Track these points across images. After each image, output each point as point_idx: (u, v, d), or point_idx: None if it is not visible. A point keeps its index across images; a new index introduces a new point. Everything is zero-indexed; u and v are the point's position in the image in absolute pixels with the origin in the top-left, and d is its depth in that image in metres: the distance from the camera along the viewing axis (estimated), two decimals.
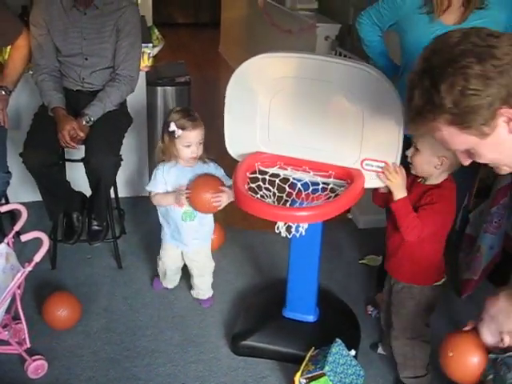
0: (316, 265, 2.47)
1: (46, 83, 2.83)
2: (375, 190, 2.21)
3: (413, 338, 2.26)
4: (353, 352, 2.29)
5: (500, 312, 1.75)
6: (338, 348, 2.23)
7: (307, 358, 2.28)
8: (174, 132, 2.42)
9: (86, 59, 2.86)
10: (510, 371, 1.67)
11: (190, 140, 2.46)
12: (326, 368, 2.14)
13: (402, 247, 2.17)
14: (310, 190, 2.15)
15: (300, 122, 2.14)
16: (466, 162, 1.51)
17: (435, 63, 1.33)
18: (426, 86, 1.34)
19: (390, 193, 2.10)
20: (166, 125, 2.44)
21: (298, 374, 2.22)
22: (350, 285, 3.01)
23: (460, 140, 1.39)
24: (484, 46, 1.29)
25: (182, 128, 2.42)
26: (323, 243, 2.46)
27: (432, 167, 2.03)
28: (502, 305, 1.75)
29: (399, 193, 2.07)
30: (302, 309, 2.53)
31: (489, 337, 1.78)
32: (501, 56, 1.28)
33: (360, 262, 3.20)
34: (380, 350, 2.55)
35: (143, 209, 3.60)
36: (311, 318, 2.54)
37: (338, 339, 2.27)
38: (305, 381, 2.20)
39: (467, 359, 1.83)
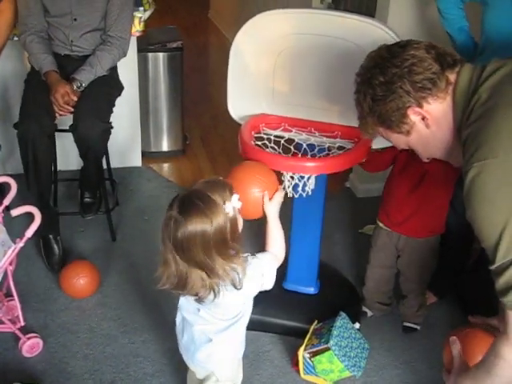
0: (318, 234, 2.41)
1: (35, 45, 2.70)
2: (372, 155, 2.16)
3: (425, 287, 2.46)
4: (357, 325, 2.25)
5: None
6: (342, 321, 2.18)
7: (310, 332, 2.23)
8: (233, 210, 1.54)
9: (75, 19, 2.73)
10: None
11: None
12: (331, 342, 2.08)
13: (424, 205, 2.21)
14: (316, 150, 2.11)
15: (305, 81, 2.10)
16: (424, 159, 1.76)
17: (360, 75, 1.59)
18: (355, 96, 1.61)
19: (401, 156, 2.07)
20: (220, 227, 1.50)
21: (302, 348, 2.17)
22: (349, 255, 2.96)
23: (394, 138, 1.60)
24: (387, 56, 1.51)
25: (231, 193, 1.56)
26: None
27: None
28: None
29: None
30: (303, 281, 2.47)
31: None
32: (400, 63, 1.47)
33: (359, 231, 3.14)
34: (369, 313, 2.55)
35: (136, 179, 3.54)
36: (312, 290, 2.48)
37: (342, 312, 2.22)
38: (309, 355, 2.15)
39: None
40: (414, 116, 1.50)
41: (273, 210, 1.74)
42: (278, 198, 1.76)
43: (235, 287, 1.54)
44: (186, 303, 1.69)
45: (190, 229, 1.46)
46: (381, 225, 2.36)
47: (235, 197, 1.53)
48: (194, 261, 1.49)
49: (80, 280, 2.54)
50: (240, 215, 1.59)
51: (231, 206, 1.51)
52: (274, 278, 1.69)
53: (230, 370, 1.81)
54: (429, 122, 1.50)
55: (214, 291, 1.52)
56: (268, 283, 1.67)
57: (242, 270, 1.55)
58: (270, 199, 1.74)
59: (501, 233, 1.28)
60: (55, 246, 2.77)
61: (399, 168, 2.22)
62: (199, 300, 1.57)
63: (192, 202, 1.48)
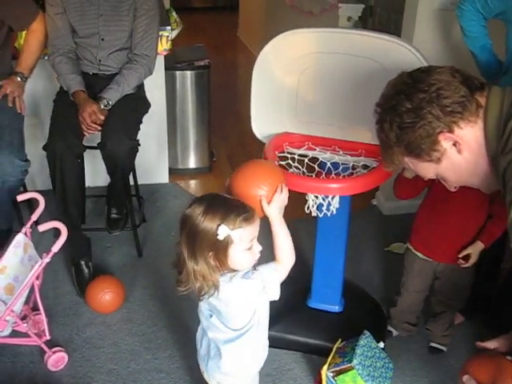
0: (343, 252, 2.39)
1: (63, 66, 2.76)
2: (399, 181, 2.12)
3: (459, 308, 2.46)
4: (381, 344, 2.21)
5: None
6: (366, 340, 2.16)
7: (334, 350, 2.20)
8: (226, 238, 1.51)
9: (103, 39, 2.78)
10: None
11: (253, 235, 1.57)
12: (355, 361, 2.06)
13: (465, 232, 2.16)
14: (340, 169, 2.11)
15: (328, 100, 2.10)
16: (451, 189, 1.65)
17: (380, 104, 1.54)
18: (377, 126, 1.56)
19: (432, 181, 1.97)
20: (206, 234, 1.50)
21: (325, 366, 2.14)
22: (375, 273, 2.93)
23: (422, 167, 1.55)
24: (411, 82, 1.47)
25: (241, 224, 1.52)
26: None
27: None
28: None
29: None
30: (328, 299, 2.46)
31: None
32: (427, 88, 1.43)
33: (386, 249, 3.11)
34: (395, 333, 2.52)
35: (163, 196, 3.56)
36: (337, 308, 2.47)
37: (366, 331, 2.19)
38: (332, 374, 2.13)
39: None
40: (445, 142, 1.45)
41: (273, 212, 1.64)
42: (277, 200, 1.64)
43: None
44: (202, 307, 1.69)
45: (188, 212, 1.52)
46: (416, 252, 2.30)
47: (240, 230, 1.50)
48: (184, 248, 1.53)
49: (106, 295, 2.56)
50: (246, 255, 1.56)
51: (225, 231, 1.48)
52: (278, 289, 1.67)
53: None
54: (461, 147, 1.45)
55: (200, 292, 1.55)
56: (272, 295, 1.66)
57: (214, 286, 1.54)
58: (270, 202, 1.63)
59: None
60: (86, 271, 2.77)
61: (435, 194, 2.14)
62: (198, 295, 1.58)
63: (207, 199, 1.55)
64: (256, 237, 1.58)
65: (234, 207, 1.52)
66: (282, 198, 1.66)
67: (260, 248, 1.60)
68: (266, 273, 1.63)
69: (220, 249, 1.51)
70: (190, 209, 1.53)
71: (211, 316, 1.66)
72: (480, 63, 2.36)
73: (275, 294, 1.67)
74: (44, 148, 2.62)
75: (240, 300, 1.60)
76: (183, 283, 1.57)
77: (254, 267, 1.62)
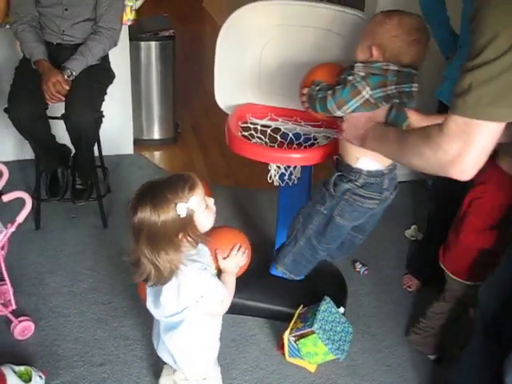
0: None
1: (26, 34, 2.72)
2: None
3: None
4: (342, 309, 2.30)
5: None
6: (326, 306, 2.23)
7: (296, 316, 2.28)
8: (188, 212, 1.53)
9: (66, 10, 2.75)
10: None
11: (202, 194, 1.59)
12: (315, 326, 2.14)
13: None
14: (302, 139, 2.15)
15: (291, 72, 2.12)
16: None
17: None
18: None
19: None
20: (169, 223, 1.51)
21: (287, 331, 2.22)
22: None
23: None
24: None
25: (191, 193, 1.53)
26: None
27: None
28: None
29: None
30: None
31: (359, 53, 1.81)
32: None
33: None
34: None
35: (127, 167, 3.57)
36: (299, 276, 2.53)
37: (326, 297, 2.27)
38: (294, 338, 2.20)
39: None
40: None
41: (227, 266, 1.76)
42: (233, 257, 1.77)
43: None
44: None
45: (138, 219, 1.50)
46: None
47: (194, 198, 1.52)
48: (142, 251, 1.53)
49: None
50: (208, 214, 1.59)
51: (184, 207, 1.50)
52: (217, 309, 1.71)
53: (195, 367, 1.83)
54: None
55: (153, 281, 1.57)
56: (207, 307, 1.66)
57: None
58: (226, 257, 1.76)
59: (504, 29, 1.17)
60: (61, 179, 2.94)
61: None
62: (145, 280, 1.60)
63: (145, 195, 1.51)
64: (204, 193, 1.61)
65: (174, 184, 1.53)
66: (238, 256, 1.77)
67: (212, 200, 1.62)
68: (213, 285, 1.64)
69: (187, 224, 1.54)
70: (137, 215, 1.50)
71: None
72: (436, 39, 2.40)
73: (208, 308, 1.67)
74: (5, 110, 2.63)
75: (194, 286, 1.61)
76: (142, 276, 1.58)
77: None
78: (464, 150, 1.28)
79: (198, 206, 1.54)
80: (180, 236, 1.54)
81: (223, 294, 1.67)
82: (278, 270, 2.24)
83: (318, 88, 1.86)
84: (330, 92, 1.79)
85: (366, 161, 1.85)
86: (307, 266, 2.20)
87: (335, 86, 1.81)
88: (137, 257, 1.56)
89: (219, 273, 1.75)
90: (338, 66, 1.90)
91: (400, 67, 1.74)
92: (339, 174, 1.92)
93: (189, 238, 1.56)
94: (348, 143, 1.86)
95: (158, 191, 1.51)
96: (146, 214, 1.49)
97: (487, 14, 1.19)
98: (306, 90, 1.90)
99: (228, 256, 1.76)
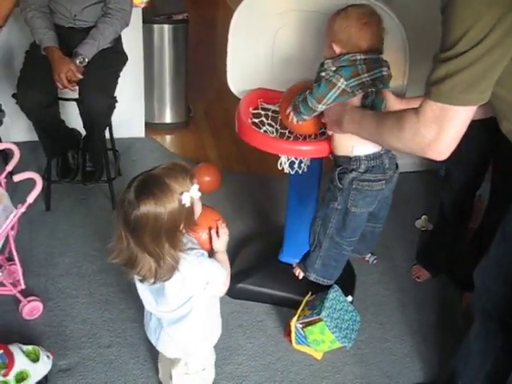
0: (314, 208, 2.43)
1: (36, 20, 2.70)
2: None
3: None
4: (350, 298, 2.29)
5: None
6: (335, 294, 2.23)
7: (304, 303, 2.28)
8: (191, 200, 1.51)
9: None
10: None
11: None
12: (323, 313, 2.13)
13: None
14: None
15: (303, 57, 2.12)
16: None
17: None
18: None
19: None
20: (174, 215, 1.48)
21: (295, 318, 2.22)
22: None
23: None
24: None
25: (192, 181, 1.52)
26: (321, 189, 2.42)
27: None
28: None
29: None
30: (299, 253, 2.49)
31: (325, 54, 1.92)
32: None
33: None
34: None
35: (138, 150, 3.56)
36: None
37: (335, 285, 2.26)
38: (301, 325, 2.20)
39: None
40: None
41: (221, 245, 1.73)
42: (224, 235, 1.74)
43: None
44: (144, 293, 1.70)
45: (142, 214, 1.44)
46: None
47: (195, 187, 1.50)
48: (143, 246, 1.48)
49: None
50: (199, 202, 1.58)
51: (189, 196, 1.48)
52: (221, 290, 1.70)
53: (198, 358, 1.83)
54: None
55: (155, 277, 1.53)
56: (213, 290, 1.66)
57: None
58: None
59: (477, 21, 1.25)
60: (71, 161, 3.00)
61: None
62: (142, 280, 1.58)
63: (148, 187, 1.46)
64: None
65: (175, 174, 1.49)
66: (226, 232, 1.74)
67: (197, 186, 1.55)
68: (214, 268, 1.63)
69: (189, 214, 1.53)
70: (139, 209, 1.44)
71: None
72: None
73: (216, 292, 1.69)
74: (14, 96, 2.62)
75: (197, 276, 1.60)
76: (141, 273, 1.54)
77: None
78: (440, 134, 1.39)
79: (197, 195, 1.52)
80: (181, 227, 1.52)
81: (224, 275, 1.67)
82: (311, 279, 2.28)
83: (297, 95, 1.95)
84: (307, 92, 1.89)
85: (361, 147, 1.91)
86: (337, 266, 2.24)
87: None
88: (131, 255, 1.51)
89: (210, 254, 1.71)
90: (310, 83, 1.95)
91: (366, 55, 1.84)
92: (340, 167, 1.98)
93: (186, 228, 1.54)
94: (339, 136, 1.92)
95: (160, 182, 1.46)
96: (150, 207, 1.44)
97: (458, 7, 1.27)
98: (288, 109, 1.99)
99: (218, 235, 1.73)
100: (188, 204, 1.49)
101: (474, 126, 1.63)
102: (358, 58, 1.84)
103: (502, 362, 1.88)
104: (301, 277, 2.33)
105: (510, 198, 1.67)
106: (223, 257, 1.74)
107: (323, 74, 1.86)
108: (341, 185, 1.98)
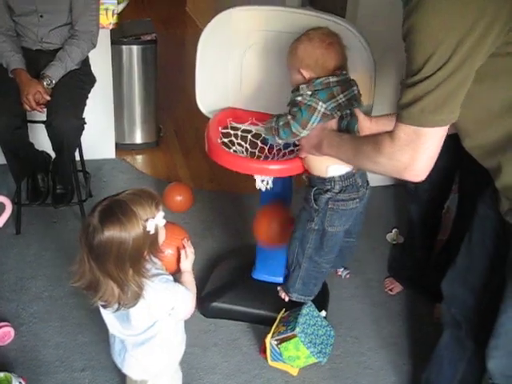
0: None
1: (2, 44, 2.69)
2: None
3: None
4: (323, 313, 2.30)
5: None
6: (308, 309, 2.24)
7: (278, 320, 2.28)
8: (155, 228, 1.52)
9: (42, 16, 2.73)
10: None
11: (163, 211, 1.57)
12: (297, 329, 2.14)
13: None
14: (282, 145, 2.15)
15: (272, 76, 2.14)
16: None
17: None
18: None
19: None
20: (139, 240, 1.48)
21: (269, 335, 2.22)
22: None
23: None
24: None
25: (158, 209, 1.53)
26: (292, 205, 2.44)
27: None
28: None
29: None
30: (272, 270, 2.52)
31: (294, 82, 1.94)
32: None
33: None
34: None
35: (109, 171, 3.55)
36: (281, 280, 2.53)
37: (308, 301, 2.27)
38: (276, 342, 2.21)
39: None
40: None
41: (188, 265, 1.75)
42: (191, 254, 1.75)
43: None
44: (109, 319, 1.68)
45: (106, 239, 1.43)
46: None
47: (160, 214, 1.51)
48: (106, 271, 1.47)
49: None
50: (163, 231, 1.57)
51: (154, 223, 1.48)
52: (187, 313, 1.70)
53: (165, 378, 1.82)
54: None
55: (119, 302, 1.52)
56: (179, 315, 1.67)
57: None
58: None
59: (438, 46, 1.28)
60: (41, 184, 2.96)
61: None
62: (105, 306, 1.56)
63: (113, 212, 1.45)
64: None
65: (141, 200, 1.49)
66: (193, 252, 1.76)
67: (163, 213, 1.56)
68: (180, 294, 1.63)
69: (153, 240, 1.52)
70: (103, 233, 1.44)
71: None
72: None
73: (182, 315, 1.69)
74: None
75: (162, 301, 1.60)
76: (103, 298, 1.53)
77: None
78: (415, 156, 1.41)
79: (162, 222, 1.53)
80: (145, 253, 1.51)
81: (190, 298, 1.67)
82: (293, 299, 2.28)
83: (275, 119, 1.95)
84: (289, 117, 1.89)
85: (335, 167, 1.93)
86: (317, 283, 2.26)
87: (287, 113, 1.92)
88: (94, 279, 1.50)
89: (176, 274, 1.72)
90: None
91: (338, 77, 1.87)
92: (315, 188, 2.01)
93: (150, 255, 1.53)
94: (314, 158, 1.94)
95: (126, 208, 1.46)
96: (114, 233, 1.43)
97: (419, 34, 1.30)
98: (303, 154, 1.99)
99: (186, 256, 1.74)
100: (153, 231, 1.49)
101: None
102: (331, 80, 1.86)
103: (473, 370, 1.91)
104: (286, 299, 2.32)
105: (476, 209, 1.72)
106: (190, 277, 1.74)
107: (299, 98, 1.88)
108: (316, 206, 2.00)
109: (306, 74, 1.89)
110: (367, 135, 1.78)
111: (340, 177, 1.95)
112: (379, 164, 1.52)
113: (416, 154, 1.41)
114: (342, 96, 1.87)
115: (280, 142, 1.99)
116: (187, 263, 1.74)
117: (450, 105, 1.35)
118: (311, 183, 2.04)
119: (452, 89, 1.32)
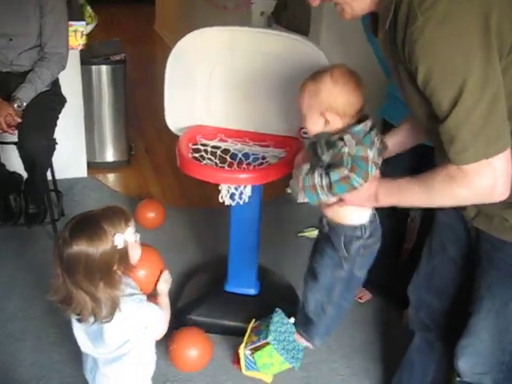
0: (256, 238, 2.53)
1: None
2: None
3: None
4: (292, 320, 2.35)
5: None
6: (278, 317, 2.29)
7: (249, 330, 2.33)
8: (124, 243, 1.55)
9: (11, 40, 2.78)
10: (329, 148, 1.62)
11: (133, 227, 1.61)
12: (270, 337, 2.18)
13: None
14: (251, 159, 2.21)
15: (239, 94, 2.19)
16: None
17: None
18: None
19: None
20: (107, 255, 1.51)
21: (242, 345, 2.26)
22: (288, 257, 3.07)
23: None
24: None
25: (127, 224, 1.57)
26: (262, 219, 2.51)
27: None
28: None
29: None
30: (244, 282, 2.58)
31: (313, 126, 1.70)
32: None
33: (299, 235, 3.27)
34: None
35: (81, 190, 3.58)
36: (252, 291, 2.60)
37: (277, 309, 2.32)
38: (249, 352, 2.25)
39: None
40: None
41: (165, 288, 1.77)
42: (167, 277, 1.78)
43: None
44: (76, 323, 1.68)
45: (75, 252, 1.48)
46: None
47: (130, 230, 1.55)
48: (77, 283, 1.51)
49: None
50: (137, 247, 1.60)
51: (122, 238, 1.52)
52: (160, 333, 1.72)
53: None
54: None
55: (95, 315, 1.54)
56: (152, 335, 1.70)
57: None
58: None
59: (468, 74, 1.27)
60: (14, 205, 2.97)
61: None
62: (80, 320, 1.59)
63: (82, 227, 1.51)
64: None
65: (110, 216, 1.54)
66: (168, 275, 1.79)
67: (138, 235, 1.60)
68: (154, 315, 1.66)
69: (122, 256, 1.55)
70: (72, 248, 1.48)
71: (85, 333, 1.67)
72: (378, 58, 2.50)
73: (155, 335, 1.71)
74: None
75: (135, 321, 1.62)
76: (76, 311, 1.56)
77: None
78: (493, 180, 1.37)
79: (132, 237, 1.57)
80: (115, 268, 1.55)
81: (163, 318, 1.70)
82: (317, 345, 2.18)
83: (317, 176, 1.64)
84: (346, 172, 1.59)
85: (364, 213, 1.81)
86: (338, 323, 2.15)
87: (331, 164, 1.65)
88: (67, 292, 1.53)
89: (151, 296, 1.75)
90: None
91: (368, 119, 1.67)
92: (344, 236, 1.84)
93: (121, 270, 1.57)
94: (346, 208, 1.75)
95: (94, 223, 1.51)
96: (82, 247, 1.48)
97: (443, 72, 1.30)
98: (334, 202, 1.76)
99: (163, 279, 1.77)
100: (121, 246, 1.52)
101: (403, 152, 1.75)
102: (369, 125, 1.65)
103: (443, 371, 1.98)
104: (312, 347, 2.19)
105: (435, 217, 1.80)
106: (165, 299, 1.76)
107: (346, 149, 1.58)
108: (348, 254, 1.85)
109: (331, 118, 1.64)
110: (426, 173, 1.56)
111: (368, 222, 1.82)
112: (459, 197, 1.45)
113: (493, 178, 1.37)
114: (376, 139, 1.66)
115: (332, 199, 1.71)
116: (164, 285, 1.77)
117: (504, 127, 1.33)
118: (338, 231, 1.84)
119: (501, 112, 1.32)
